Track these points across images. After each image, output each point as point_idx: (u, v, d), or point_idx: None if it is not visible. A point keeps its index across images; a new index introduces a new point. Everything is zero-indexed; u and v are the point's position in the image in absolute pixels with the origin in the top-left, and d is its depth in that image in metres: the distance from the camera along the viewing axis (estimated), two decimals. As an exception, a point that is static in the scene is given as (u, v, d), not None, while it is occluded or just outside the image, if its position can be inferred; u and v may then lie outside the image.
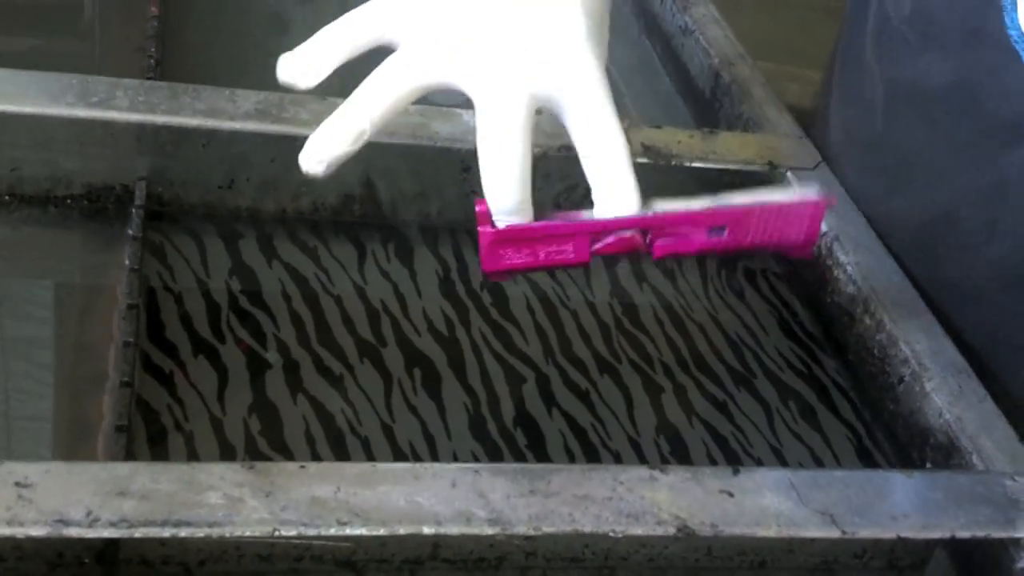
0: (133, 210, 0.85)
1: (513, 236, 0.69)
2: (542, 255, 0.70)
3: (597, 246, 0.71)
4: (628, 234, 0.71)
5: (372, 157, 0.90)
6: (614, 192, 0.70)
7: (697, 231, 0.72)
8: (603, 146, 0.71)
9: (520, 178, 0.69)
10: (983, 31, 0.87)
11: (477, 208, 0.70)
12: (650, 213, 0.71)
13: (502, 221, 0.69)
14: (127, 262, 0.81)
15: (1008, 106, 0.87)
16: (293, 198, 0.91)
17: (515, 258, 0.70)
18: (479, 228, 0.70)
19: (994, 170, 0.89)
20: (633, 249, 0.71)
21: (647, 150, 0.95)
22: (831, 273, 0.93)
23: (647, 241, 0.71)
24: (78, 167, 0.86)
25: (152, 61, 0.97)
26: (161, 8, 1.03)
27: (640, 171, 0.93)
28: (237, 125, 0.87)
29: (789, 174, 0.98)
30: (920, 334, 0.86)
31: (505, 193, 0.69)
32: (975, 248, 0.92)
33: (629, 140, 0.72)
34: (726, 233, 0.72)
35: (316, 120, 0.87)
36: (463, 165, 0.91)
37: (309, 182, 0.90)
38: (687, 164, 0.96)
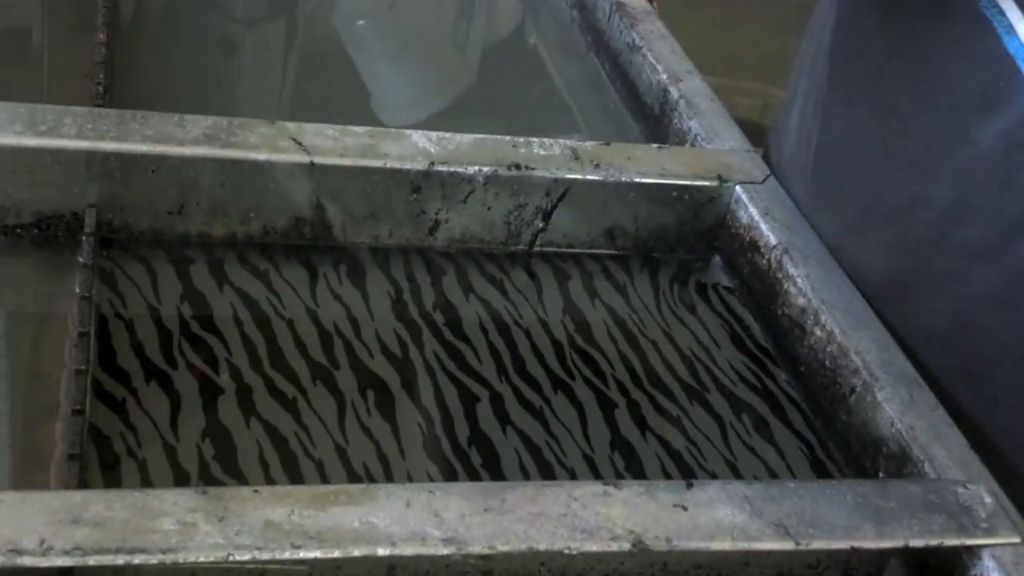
0: (83, 238, 0.85)
1: None
2: None
3: None
4: None
5: (322, 179, 0.90)
6: None
7: None
8: None
9: None
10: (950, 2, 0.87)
11: None
12: None
13: None
14: (78, 290, 0.80)
15: (977, 75, 0.86)
16: (243, 222, 0.91)
17: None
18: None
19: (965, 146, 0.88)
20: None
21: (596, 167, 0.96)
22: (781, 286, 0.94)
23: None
24: (27, 196, 0.86)
25: (100, 88, 0.97)
26: (108, 35, 1.03)
27: (590, 188, 0.95)
28: (186, 150, 0.86)
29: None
30: (871, 344, 0.87)
31: None
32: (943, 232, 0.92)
33: None
34: None
35: (265, 144, 0.88)
36: (413, 186, 0.92)
37: (259, 206, 0.90)
38: (637, 180, 0.97)
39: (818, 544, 0.70)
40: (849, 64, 0.98)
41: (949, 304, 0.91)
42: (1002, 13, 0.84)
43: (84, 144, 0.85)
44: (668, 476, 0.82)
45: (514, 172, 0.93)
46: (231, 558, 0.60)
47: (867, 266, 0.94)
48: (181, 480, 0.73)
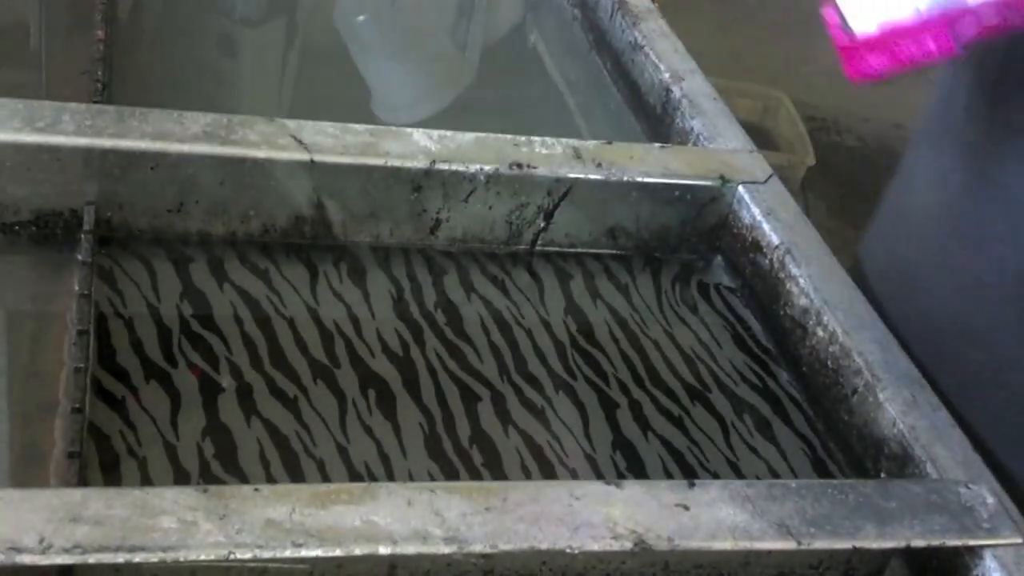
0: (82, 235, 0.84)
1: (870, 42, 0.67)
2: (903, 56, 0.68)
3: (962, 34, 0.67)
4: (990, 14, 0.67)
5: (323, 177, 0.89)
6: None
7: None
8: None
9: None
10: None
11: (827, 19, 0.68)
12: None
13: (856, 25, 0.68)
14: (77, 288, 0.80)
15: None
16: (243, 220, 0.91)
17: (877, 63, 0.68)
18: (836, 42, 0.68)
19: None
20: (1001, 29, 0.68)
21: (598, 166, 0.95)
22: (784, 286, 0.94)
23: (1014, 16, 0.67)
24: (26, 193, 0.85)
25: (99, 85, 0.96)
26: (107, 31, 1.03)
27: (591, 187, 0.95)
28: (185, 147, 0.86)
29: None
30: (873, 345, 0.86)
31: None
32: None
33: None
34: None
35: (265, 141, 0.87)
36: (414, 185, 0.91)
37: (259, 204, 0.90)
38: (639, 179, 0.97)
39: (820, 544, 0.69)
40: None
41: None
42: None
43: (83, 141, 0.85)
44: (670, 476, 0.82)
45: (516, 171, 0.93)
46: (232, 556, 0.60)
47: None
48: (182, 479, 0.73)
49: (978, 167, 0.93)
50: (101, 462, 0.73)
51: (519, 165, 0.93)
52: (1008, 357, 0.92)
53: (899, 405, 0.82)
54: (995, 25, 0.68)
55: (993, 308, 0.92)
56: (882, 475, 0.82)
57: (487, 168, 0.92)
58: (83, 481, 0.69)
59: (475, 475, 0.78)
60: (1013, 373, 0.92)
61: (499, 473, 0.79)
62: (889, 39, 0.67)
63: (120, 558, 0.59)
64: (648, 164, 0.98)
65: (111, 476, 0.72)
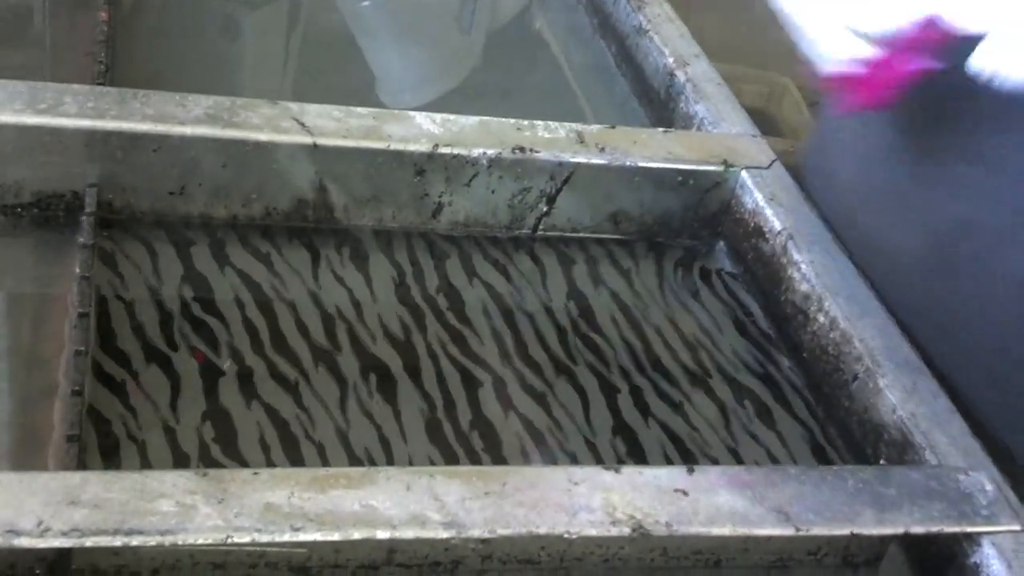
0: (83, 218, 0.84)
1: (854, 76, 0.68)
2: (887, 79, 0.69)
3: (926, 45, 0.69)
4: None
5: (325, 161, 0.89)
6: None
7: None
8: None
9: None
10: None
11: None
12: None
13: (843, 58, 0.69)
14: (78, 270, 0.80)
15: None
16: (245, 204, 0.91)
17: (868, 91, 0.69)
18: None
19: None
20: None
21: (602, 150, 0.95)
22: (785, 272, 0.93)
23: None
24: (27, 175, 0.85)
25: (102, 67, 0.96)
26: (110, 13, 1.03)
27: (594, 172, 0.95)
28: (188, 130, 0.86)
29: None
30: (874, 331, 0.86)
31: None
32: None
33: None
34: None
35: (267, 124, 0.87)
36: (417, 168, 0.91)
37: (261, 187, 0.90)
38: (643, 164, 0.96)
39: (818, 530, 0.69)
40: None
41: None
42: None
43: (85, 123, 0.84)
44: (670, 461, 0.82)
45: (518, 155, 0.93)
46: (230, 540, 0.60)
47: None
48: (181, 463, 0.73)
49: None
50: (100, 446, 0.73)
51: (522, 149, 0.93)
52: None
53: (899, 392, 0.82)
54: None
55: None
56: (881, 461, 0.82)
57: (490, 152, 0.92)
58: (82, 465, 0.69)
59: (475, 460, 0.78)
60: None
61: (499, 458, 0.79)
62: (874, 68, 0.69)
63: (118, 541, 0.59)
64: (651, 149, 0.98)
65: (110, 460, 0.72)
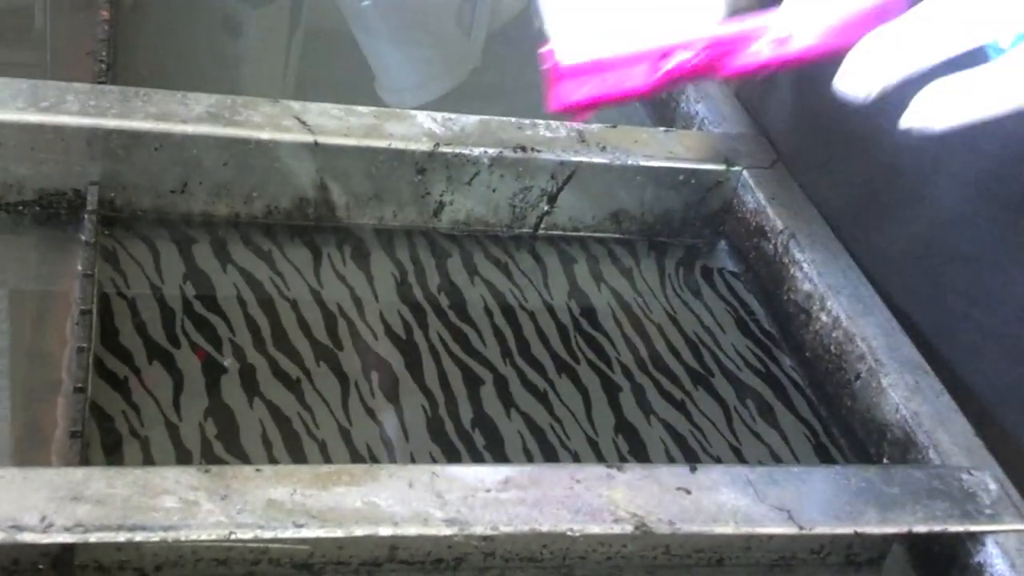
0: (85, 215, 0.84)
1: (576, 70, 0.67)
2: (607, 87, 0.68)
3: (662, 72, 0.67)
4: (692, 56, 0.67)
5: (326, 159, 0.89)
6: (693, 8, 0.67)
7: (764, 44, 0.67)
8: None
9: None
10: None
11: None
12: (713, 31, 0.67)
13: (566, 55, 0.67)
14: (80, 268, 0.80)
15: None
16: (246, 202, 0.90)
17: (580, 92, 0.68)
18: (544, 65, 0.68)
19: None
20: (698, 72, 0.68)
21: (603, 149, 0.95)
22: (787, 271, 0.93)
23: (713, 61, 0.68)
24: (29, 172, 0.85)
25: (103, 65, 0.96)
26: (112, 12, 1.03)
27: (595, 170, 0.95)
28: (189, 128, 0.86)
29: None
30: (876, 330, 0.86)
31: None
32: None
33: None
34: (792, 41, 0.67)
35: (269, 123, 0.87)
36: (418, 167, 0.91)
37: (262, 186, 0.90)
38: (644, 163, 0.96)
39: (821, 529, 0.69)
40: None
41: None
42: None
43: (86, 121, 0.84)
44: (672, 461, 0.82)
45: (519, 154, 0.93)
46: (233, 536, 0.60)
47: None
48: (183, 460, 0.73)
49: None
50: (103, 442, 0.73)
51: (523, 148, 0.93)
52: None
53: (902, 391, 0.82)
54: (703, 66, 0.68)
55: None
56: (884, 461, 0.82)
57: (491, 151, 0.92)
58: (85, 461, 0.69)
59: (477, 457, 0.78)
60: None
61: (501, 456, 0.79)
62: (594, 70, 0.67)
63: (121, 537, 0.59)
64: (652, 148, 0.98)
65: (113, 456, 0.72)
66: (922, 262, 0.92)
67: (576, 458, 0.80)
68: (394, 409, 0.80)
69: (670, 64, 0.67)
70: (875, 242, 0.95)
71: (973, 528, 0.72)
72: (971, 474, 0.75)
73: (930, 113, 0.63)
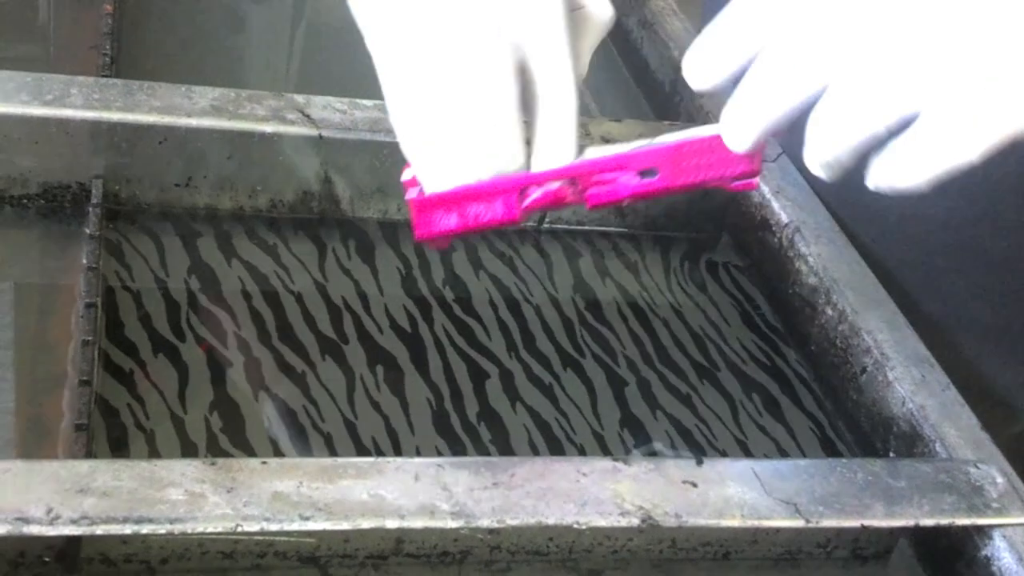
0: (90, 209, 0.84)
1: (441, 200, 0.68)
2: (472, 216, 0.68)
3: (527, 202, 0.68)
4: (556, 186, 0.68)
5: (330, 153, 0.89)
6: (552, 142, 0.67)
7: (628, 176, 0.68)
8: (552, 96, 0.69)
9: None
10: None
11: (403, 178, 0.69)
12: (578, 161, 0.68)
13: (429, 185, 0.68)
14: (85, 261, 0.80)
15: None
16: (251, 195, 0.90)
17: (445, 222, 0.68)
18: (407, 195, 0.68)
19: None
20: (563, 202, 0.69)
21: (606, 143, 0.95)
22: (793, 264, 0.93)
23: (579, 191, 0.68)
24: (34, 166, 0.85)
25: (107, 59, 0.96)
26: (116, 5, 1.03)
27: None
28: (193, 122, 0.86)
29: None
30: (882, 324, 0.86)
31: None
32: None
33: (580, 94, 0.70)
34: (659, 175, 0.67)
35: (273, 116, 0.87)
36: (423, 160, 0.91)
37: (267, 179, 0.89)
38: (647, 158, 0.96)
39: (828, 522, 0.69)
40: None
41: None
42: None
43: (90, 114, 0.84)
44: (678, 454, 0.82)
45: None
46: (239, 529, 0.60)
47: None
48: (189, 452, 0.73)
49: None
50: (109, 435, 0.72)
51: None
52: None
53: (908, 384, 0.81)
54: (567, 195, 0.68)
55: None
56: (891, 454, 0.81)
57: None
58: (91, 454, 0.69)
59: (483, 451, 0.78)
60: None
61: (507, 449, 0.79)
62: (459, 200, 0.67)
63: (127, 529, 0.59)
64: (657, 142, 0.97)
65: (119, 449, 0.72)
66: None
67: (582, 451, 0.80)
68: (399, 403, 0.80)
69: (535, 195, 0.68)
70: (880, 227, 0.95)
71: (980, 521, 0.72)
72: (978, 467, 0.74)
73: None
